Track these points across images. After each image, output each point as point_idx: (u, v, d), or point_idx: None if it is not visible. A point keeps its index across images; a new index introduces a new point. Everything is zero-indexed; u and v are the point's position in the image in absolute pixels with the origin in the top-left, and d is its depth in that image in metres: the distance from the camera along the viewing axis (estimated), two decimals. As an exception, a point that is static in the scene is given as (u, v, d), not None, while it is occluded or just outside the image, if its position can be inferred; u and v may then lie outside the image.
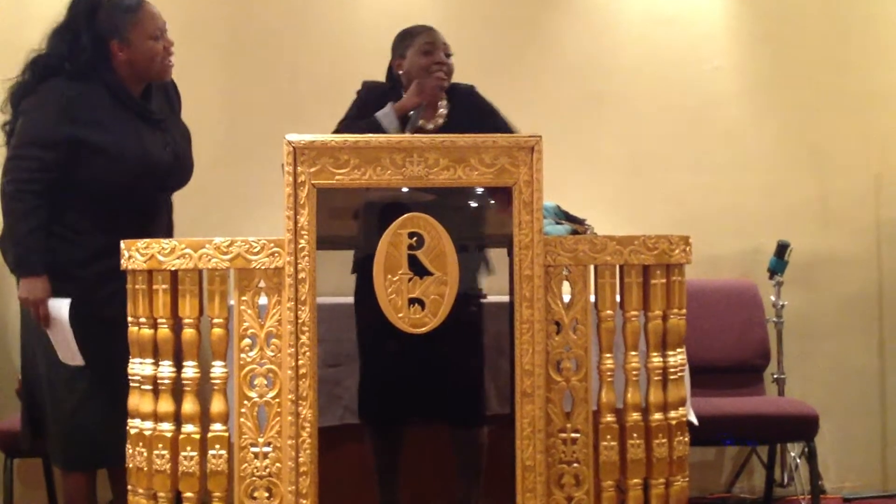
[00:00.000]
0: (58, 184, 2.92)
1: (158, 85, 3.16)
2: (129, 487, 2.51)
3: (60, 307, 2.88)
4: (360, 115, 3.14)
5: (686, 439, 2.58)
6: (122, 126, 2.99)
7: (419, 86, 3.12)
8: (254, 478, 2.42)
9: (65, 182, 2.93)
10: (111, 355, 2.81)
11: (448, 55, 3.23)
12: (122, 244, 2.51)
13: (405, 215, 2.43)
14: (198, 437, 2.43)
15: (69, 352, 2.89)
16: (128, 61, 3.02)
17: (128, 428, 2.51)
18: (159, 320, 2.45)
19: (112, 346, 2.79)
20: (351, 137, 2.42)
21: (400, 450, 2.88)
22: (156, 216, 3.11)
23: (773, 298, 4.15)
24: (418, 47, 3.22)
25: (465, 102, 3.23)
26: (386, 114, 3.10)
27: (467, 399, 2.80)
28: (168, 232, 3.26)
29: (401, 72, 3.26)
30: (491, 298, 2.85)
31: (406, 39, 3.28)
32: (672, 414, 2.54)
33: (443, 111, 3.20)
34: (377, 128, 3.05)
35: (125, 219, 2.96)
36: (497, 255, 2.60)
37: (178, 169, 3.13)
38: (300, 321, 2.37)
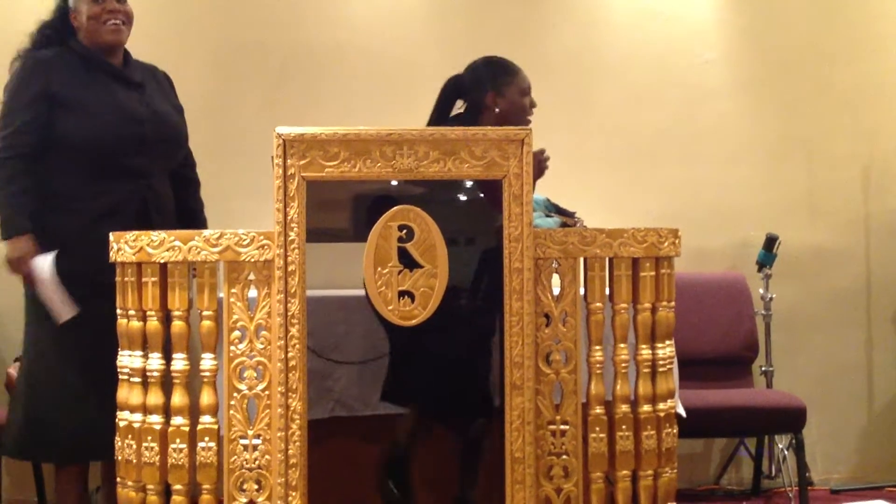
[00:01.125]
0: (41, 147, 2.96)
1: (143, 66, 3.21)
2: (119, 479, 2.51)
3: (44, 262, 2.88)
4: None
5: (674, 431, 2.59)
6: (94, 84, 3.04)
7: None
8: (243, 470, 2.42)
9: (46, 145, 2.96)
10: (104, 326, 2.77)
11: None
12: (112, 236, 2.51)
13: (395, 208, 2.43)
14: (187, 429, 2.43)
15: (60, 305, 2.87)
16: (79, 27, 3.09)
17: (117, 420, 2.51)
18: (148, 313, 2.45)
19: (105, 317, 2.75)
20: (340, 129, 2.42)
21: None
22: (147, 182, 3.07)
23: (761, 291, 4.17)
24: (518, 87, 3.23)
25: None
26: None
27: (462, 391, 2.79)
28: (185, 214, 3.25)
29: (496, 107, 3.22)
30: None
31: (505, 76, 3.25)
32: (661, 406, 2.55)
33: None
34: None
35: (111, 182, 3.00)
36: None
37: (159, 128, 3.11)
38: (290, 313, 2.37)
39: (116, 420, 2.52)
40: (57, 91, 2.99)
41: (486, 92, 3.22)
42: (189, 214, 3.29)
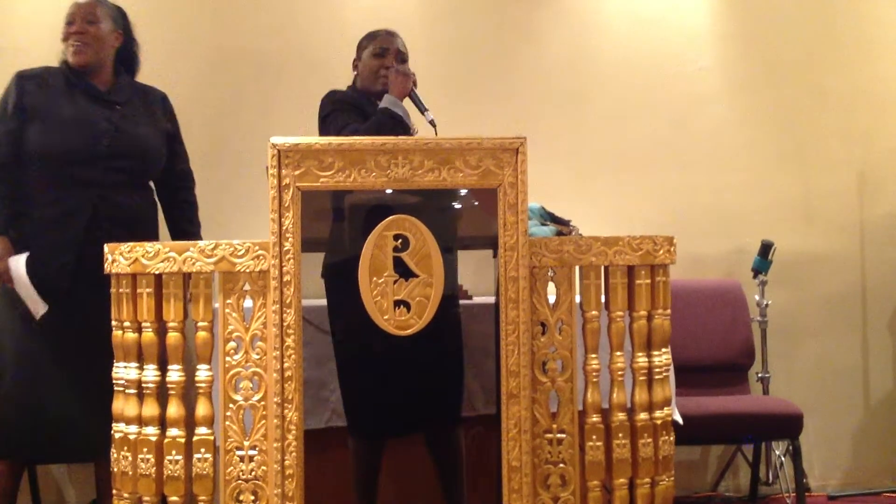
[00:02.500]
0: (14, 157, 3.10)
1: (135, 87, 3.31)
2: (114, 491, 2.51)
3: (18, 261, 3.05)
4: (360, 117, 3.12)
5: (671, 439, 2.59)
6: (65, 101, 3.16)
7: (398, 74, 3.12)
8: (239, 481, 2.41)
9: (20, 155, 3.11)
10: (61, 329, 3.00)
11: (403, 60, 3.23)
12: (106, 248, 2.50)
13: (390, 217, 2.43)
14: (183, 440, 2.42)
15: (32, 302, 3.05)
16: None
17: (112, 432, 2.51)
18: (143, 324, 2.44)
19: (62, 321, 3.00)
20: (335, 140, 2.42)
21: (381, 454, 2.86)
22: (101, 193, 3.13)
23: (757, 298, 4.17)
24: (372, 49, 3.26)
25: None
26: (393, 102, 3.06)
27: (451, 401, 2.79)
28: (178, 237, 3.33)
29: (355, 72, 3.32)
30: (476, 300, 2.85)
31: (366, 40, 3.32)
32: (657, 413, 2.55)
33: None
34: (393, 117, 3.02)
35: (62, 191, 3.09)
36: (482, 257, 2.60)
37: (121, 144, 3.16)
38: (285, 324, 2.37)
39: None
40: (30, 105, 3.13)
41: (355, 59, 3.33)
42: (183, 237, 3.35)
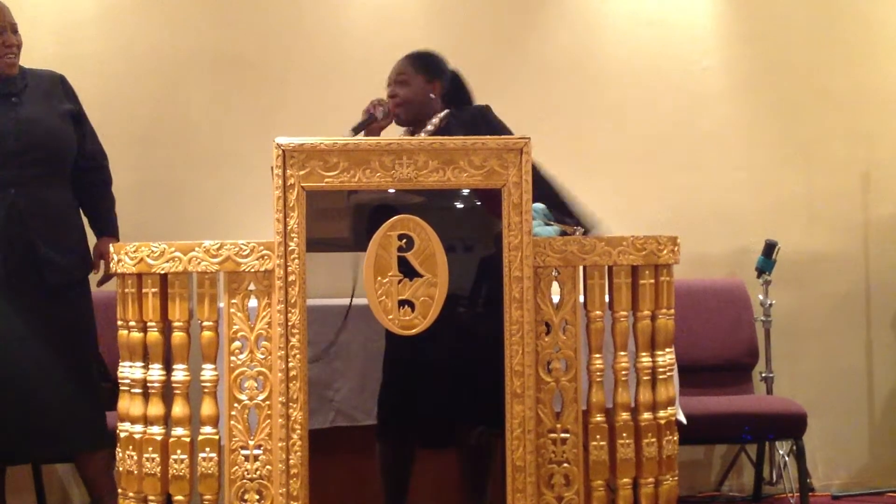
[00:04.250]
0: None
1: (31, 75, 3.26)
2: (120, 491, 2.52)
3: None
4: None
5: (675, 438, 2.59)
6: None
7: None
8: (244, 480, 2.42)
9: None
10: None
11: (401, 82, 3.26)
12: (112, 247, 2.51)
13: (394, 217, 2.43)
14: (188, 440, 2.43)
15: None
16: None
17: (117, 431, 2.52)
18: (149, 324, 2.45)
19: None
20: (340, 140, 2.42)
21: (410, 458, 2.86)
22: (18, 190, 3.11)
23: (761, 297, 4.17)
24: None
25: (469, 122, 3.22)
26: None
27: (464, 401, 2.79)
28: (94, 217, 3.33)
29: None
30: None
31: None
32: (661, 413, 2.55)
33: (430, 128, 3.21)
34: None
35: None
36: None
37: (28, 136, 3.14)
38: (290, 324, 2.37)
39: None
40: None
41: None
42: (96, 217, 3.37)
